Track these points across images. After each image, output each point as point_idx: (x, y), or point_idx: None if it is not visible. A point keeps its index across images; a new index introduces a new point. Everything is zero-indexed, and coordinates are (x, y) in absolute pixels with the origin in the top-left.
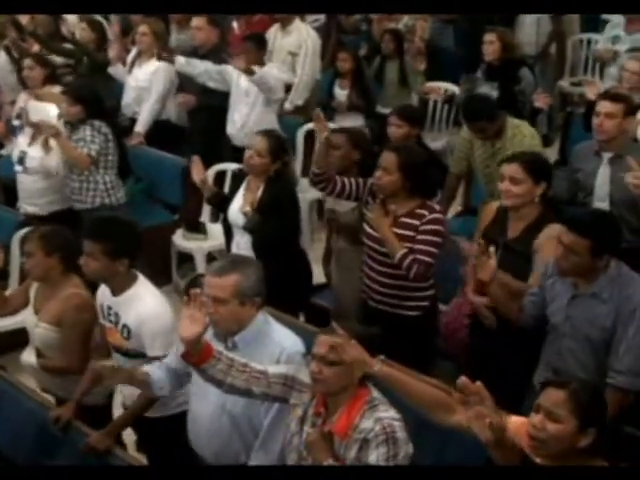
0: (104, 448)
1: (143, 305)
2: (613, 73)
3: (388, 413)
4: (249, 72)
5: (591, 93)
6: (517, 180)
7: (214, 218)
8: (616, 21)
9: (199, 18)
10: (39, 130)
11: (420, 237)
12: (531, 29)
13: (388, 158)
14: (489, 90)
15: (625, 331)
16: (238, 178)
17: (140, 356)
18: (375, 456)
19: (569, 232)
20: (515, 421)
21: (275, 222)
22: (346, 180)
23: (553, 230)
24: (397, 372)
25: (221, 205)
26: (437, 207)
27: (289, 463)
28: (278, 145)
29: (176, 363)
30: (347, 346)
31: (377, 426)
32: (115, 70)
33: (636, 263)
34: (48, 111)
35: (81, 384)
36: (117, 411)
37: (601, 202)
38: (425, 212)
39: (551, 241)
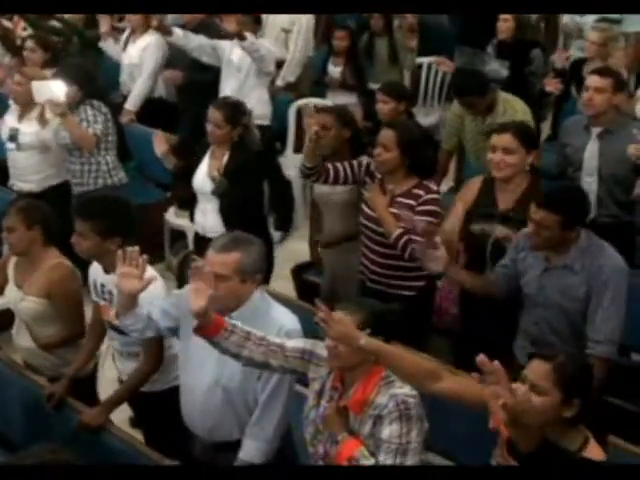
0: (98, 425)
1: (149, 292)
2: (580, 44)
3: (403, 390)
4: (241, 37)
5: (559, 62)
6: (510, 150)
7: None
8: None
9: None
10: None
11: (416, 218)
12: None
13: (387, 135)
14: (499, 68)
15: (599, 301)
16: (203, 146)
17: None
18: (388, 432)
19: (539, 209)
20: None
21: (242, 186)
22: (339, 166)
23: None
24: (384, 345)
25: (186, 176)
26: (434, 187)
27: (306, 436)
28: (233, 111)
29: (162, 317)
30: (332, 321)
31: (391, 402)
32: (106, 45)
33: (622, 237)
34: (53, 89)
35: (77, 360)
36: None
37: (589, 177)
38: (421, 192)
39: None
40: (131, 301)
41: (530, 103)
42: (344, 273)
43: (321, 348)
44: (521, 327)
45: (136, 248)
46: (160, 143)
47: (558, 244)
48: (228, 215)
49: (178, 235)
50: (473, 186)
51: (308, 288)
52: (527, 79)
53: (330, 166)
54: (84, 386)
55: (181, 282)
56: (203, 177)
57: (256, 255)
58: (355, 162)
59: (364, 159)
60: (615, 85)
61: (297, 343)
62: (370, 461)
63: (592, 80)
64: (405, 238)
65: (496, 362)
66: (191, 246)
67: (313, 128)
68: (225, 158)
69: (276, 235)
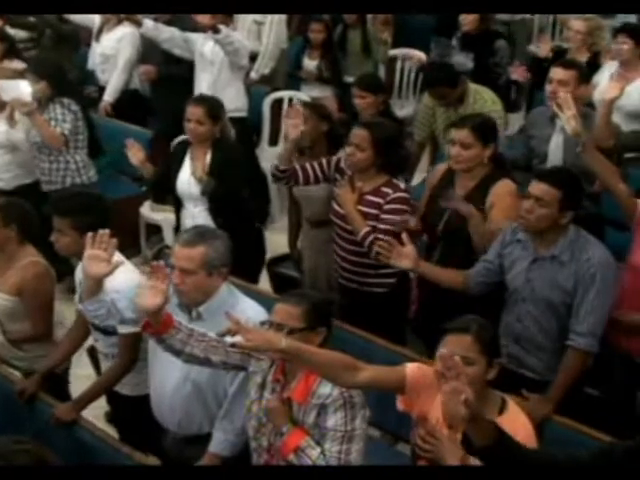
0: (70, 419)
1: (116, 280)
2: (565, 34)
3: None
4: (215, 30)
5: (543, 51)
6: (467, 145)
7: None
8: None
9: None
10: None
11: (384, 216)
12: None
13: (360, 134)
14: (464, 60)
15: (586, 294)
16: (180, 149)
17: (110, 333)
18: (333, 421)
19: (540, 182)
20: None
21: (230, 182)
22: (308, 166)
23: (504, 186)
24: (303, 345)
25: (163, 183)
26: (402, 185)
27: (249, 430)
28: (214, 106)
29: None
30: (248, 333)
31: (335, 391)
32: None
33: (589, 228)
34: (21, 88)
35: (51, 357)
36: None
37: None
38: (389, 190)
39: (503, 197)
40: (97, 285)
41: (497, 94)
42: (324, 265)
43: None
44: (503, 324)
45: (106, 231)
46: (135, 152)
47: (548, 229)
48: (219, 214)
49: (154, 229)
50: (437, 172)
51: (283, 281)
52: (492, 70)
53: (299, 169)
54: (57, 382)
55: None
56: (188, 180)
57: (222, 248)
58: (324, 160)
59: (340, 153)
60: (579, 77)
61: (237, 338)
62: (316, 450)
63: (556, 72)
64: (372, 237)
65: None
66: (167, 240)
67: (296, 131)
68: (208, 157)
69: None
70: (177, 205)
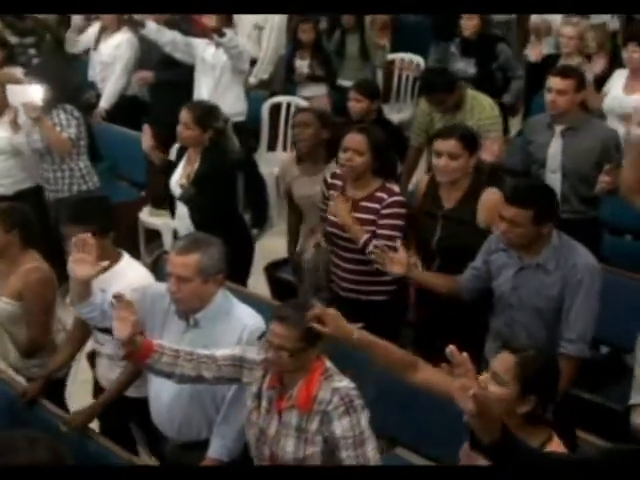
0: (83, 425)
1: (135, 276)
2: (550, 41)
3: (342, 383)
4: (220, 33)
5: (533, 55)
6: (455, 155)
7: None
8: None
9: None
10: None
11: (382, 221)
12: None
13: (357, 139)
14: (465, 66)
15: (573, 300)
16: (182, 150)
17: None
18: (340, 428)
19: (510, 205)
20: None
21: (209, 193)
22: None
23: (490, 194)
24: (374, 338)
25: (164, 174)
26: (396, 189)
27: (250, 439)
28: (204, 114)
29: None
30: (328, 318)
31: (335, 397)
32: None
33: (586, 233)
34: (29, 92)
35: (53, 360)
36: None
37: (553, 173)
38: (384, 195)
39: (488, 205)
40: (85, 288)
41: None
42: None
43: (251, 352)
44: (492, 329)
45: (88, 235)
46: (147, 137)
47: (531, 242)
48: (197, 221)
49: (153, 234)
50: (421, 184)
51: (281, 286)
52: (494, 75)
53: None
54: (56, 386)
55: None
56: (175, 182)
57: (217, 255)
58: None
59: (327, 169)
60: (577, 85)
61: (226, 351)
62: None
63: (554, 82)
64: (373, 243)
65: (464, 354)
66: (166, 245)
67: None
68: (197, 163)
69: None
70: (172, 205)
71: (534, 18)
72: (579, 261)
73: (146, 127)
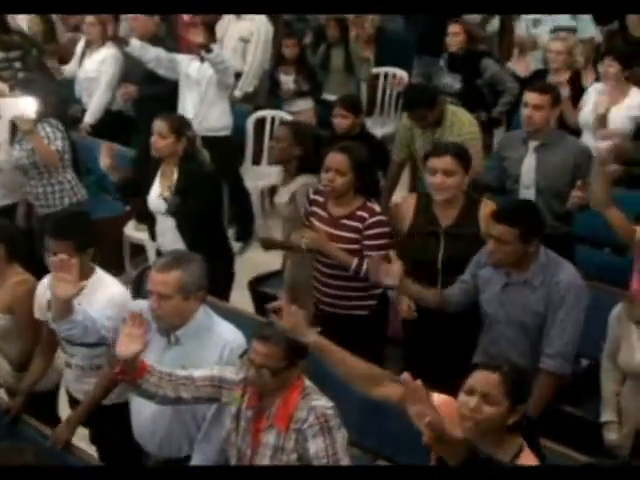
0: (64, 441)
1: (110, 291)
2: (537, 56)
3: (320, 402)
4: (207, 49)
5: (521, 70)
6: (450, 172)
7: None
8: None
9: None
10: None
11: (368, 242)
12: None
13: (339, 159)
14: (451, 82)
15: (555, 316)
16: (154, 165)
17: (102, 344)
18: (315, 448)
19: (497, 224)
20: (438, 398)
21: (195, 201)
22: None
23: (489, 205)
24: (331, 344)
25: (130, 190)
26: (377, 208)
27: (231, 459)
28: (178, 123)
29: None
30: (287, 312)
31: (310, 416)
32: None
33: (560, 248)
34: (20, 105)
35: (27, 375)
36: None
37: (527, 189)
38: (366, 214)
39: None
40: (66, 306)
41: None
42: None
43: (230, 372)
44: (480, 346)
45: (65, 255)
46: (105, 155)
47: (518, 259)
48: (186, 232)
49: (138, 249)
50: (407, 206)
51: (265, 300)
52: (480, 90)
53: None
54: (43, 402)
55: (137, 295)
56: (156, 197)
57: (198, 272)
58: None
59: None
60: (553, 101)
61: (204, 372)
62: None
63: (531, 97)
64: (365, 263)
65: (418, 381)
66: (151, 260)
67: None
68: (174, 176)
69: (236, 246)
70: (151, 221)
71: (519, 32)
72: (563, 278)
73: (105, 146)
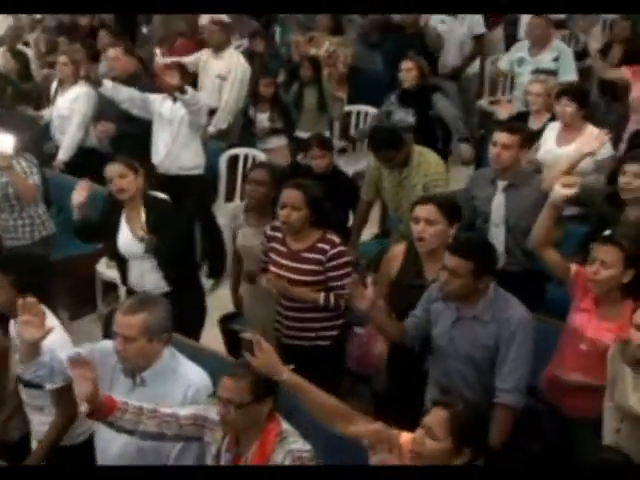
0: None
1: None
2: (518, 96)
3: (297, 445)
4: (182, 90)
5: (503, 114)
6: (432, 221)
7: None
8: (522, 44)
9: (115, 48)
10: None
11: (332, 274)
12: (456, 51)
13: (294, 195)
14: (404, 116)
15: (507, 351)
16: (113, 209)
17: (36, 386)
18: None
19: (453, 256)
20: (406, 436)
21: (170, 236)
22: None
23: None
24: (304, 381)
25: (88, 232)
26: (336, 239)
27: None
28: (131, 161)
29: None
30: (260, 350)
31: (287, 460)
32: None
33: (529, 284)
34: (0, 142)
35: None
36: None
37: (497, 227)
38: (326, 247)
39: None
40: (33, 349)
41: (436, 147)
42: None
43: (214, 412)
44: (431, 378)
45: (33, 299)
46: (80, 192)
47: (469, 294)
48: (167, 269)
49: (110, 286)
50: (395, 256)
51: (236, 338)
52: (432, 123)
53: None
54: (17, 450)
55: (106, 335)
56: (129, 241)
57: (163, 314)
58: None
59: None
60: (522, 141)
61: (189, 410)
62: None
63: (500, 137)
64: (332, 295)
65: (387, 433)
66: (123, 298)
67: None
68: (142, 216)
69: (208, 283)
70: (121, 263)
71: (501, 64)
72: (513, 314)
73: (83, 183)
